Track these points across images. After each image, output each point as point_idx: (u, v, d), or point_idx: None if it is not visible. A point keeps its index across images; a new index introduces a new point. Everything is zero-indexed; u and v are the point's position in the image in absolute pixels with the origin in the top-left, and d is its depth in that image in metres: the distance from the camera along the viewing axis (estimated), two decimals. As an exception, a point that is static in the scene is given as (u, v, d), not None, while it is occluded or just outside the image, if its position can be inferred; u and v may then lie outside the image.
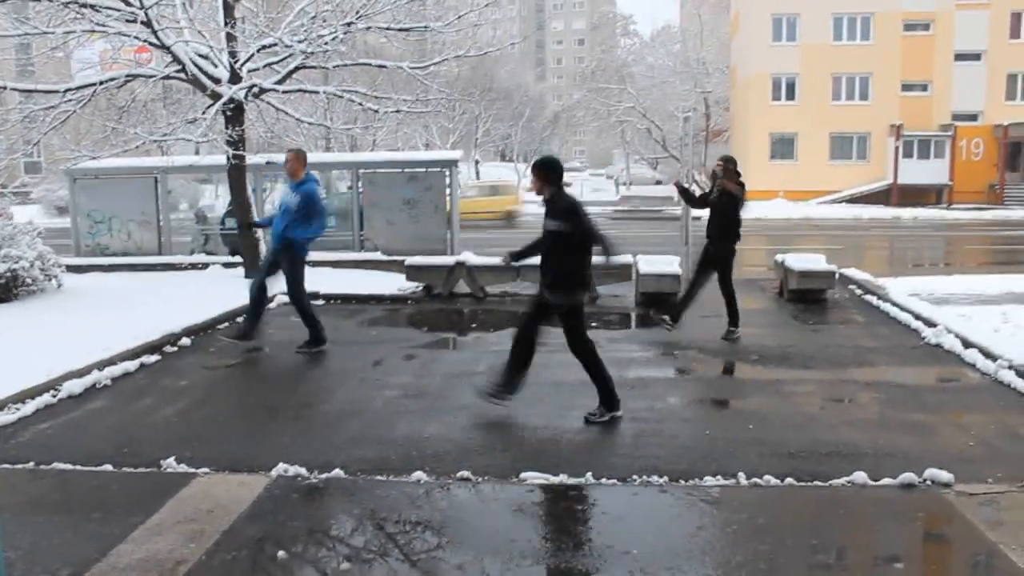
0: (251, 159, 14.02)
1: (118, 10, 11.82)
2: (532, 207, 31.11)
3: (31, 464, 5.56)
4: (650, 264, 11.66)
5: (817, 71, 38.40)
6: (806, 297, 11.57)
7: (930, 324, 9.29)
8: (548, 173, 6.36)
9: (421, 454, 5.68)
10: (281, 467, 5.30)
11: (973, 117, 38.18)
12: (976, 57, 38.18)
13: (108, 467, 5.49)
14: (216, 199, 18.29)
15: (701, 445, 5.87)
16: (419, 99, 15.16)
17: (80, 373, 7.52)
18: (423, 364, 8.43)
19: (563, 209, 6.24)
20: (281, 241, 8.81)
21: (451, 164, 16.10)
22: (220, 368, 8.46)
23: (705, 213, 9.46)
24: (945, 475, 4.99)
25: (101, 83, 12.64)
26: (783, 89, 39.68)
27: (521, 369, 6.68)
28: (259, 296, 9.12)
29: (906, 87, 38.60)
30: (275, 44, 12.86)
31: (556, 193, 6.34)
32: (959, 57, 38.18)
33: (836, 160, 39.17)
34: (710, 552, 4.20)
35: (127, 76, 12.98)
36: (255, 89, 13.20)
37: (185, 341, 9.29)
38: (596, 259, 6.33)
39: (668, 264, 11.64)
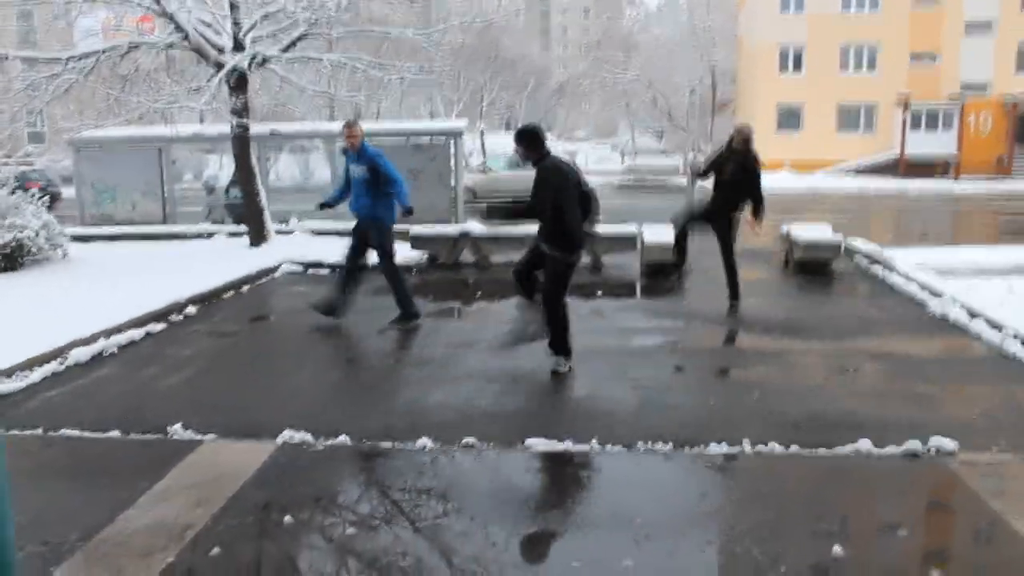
0: (255, 128, 13.96)
1: (120, -23, 11.74)
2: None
3: (39, 431, 5.61)
4: (655, 234, 11.63)
5: (825, 41, 38.02)
6: (811, 268, 11.54)
7: (936, 295, 9.27)
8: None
9: (426, 422, 5.70)
10: (287, 434, 5.32)
11: (982, 88, 37.80)
12: (986, 27, 37.73)
13: (115, 433, 5.53)
14: (220, 169, 18.26)
15: (706, 414, 5.88)
16: (424, 68, 15.07)
17: (87, 341, 7.54)
18: (427, 333, 8.45)
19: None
20: (369, 220, 8.60)
21: (456, 134, 16.04)
22: (225, 336, 8.49)
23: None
24: (949, 444, 5.00)
25: (104, 52, 12.58)
26: (790, 59, 39.31)
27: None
28: (352, 277, 8.88)
29: (914, 57, 38.21)
30: (279, 12, 12.77)
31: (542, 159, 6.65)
32: (969, 27, 37.73)
33: (843, 131, 38.87)
34: (714, 519, 4.22)
35: (130, 44, 12.90)
36: (259, 58, 13.12)
37: (191, 310, 9.32)
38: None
39: (673, 234, 11.59)
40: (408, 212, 8.55)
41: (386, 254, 8.66)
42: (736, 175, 9.22)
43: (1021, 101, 35.78)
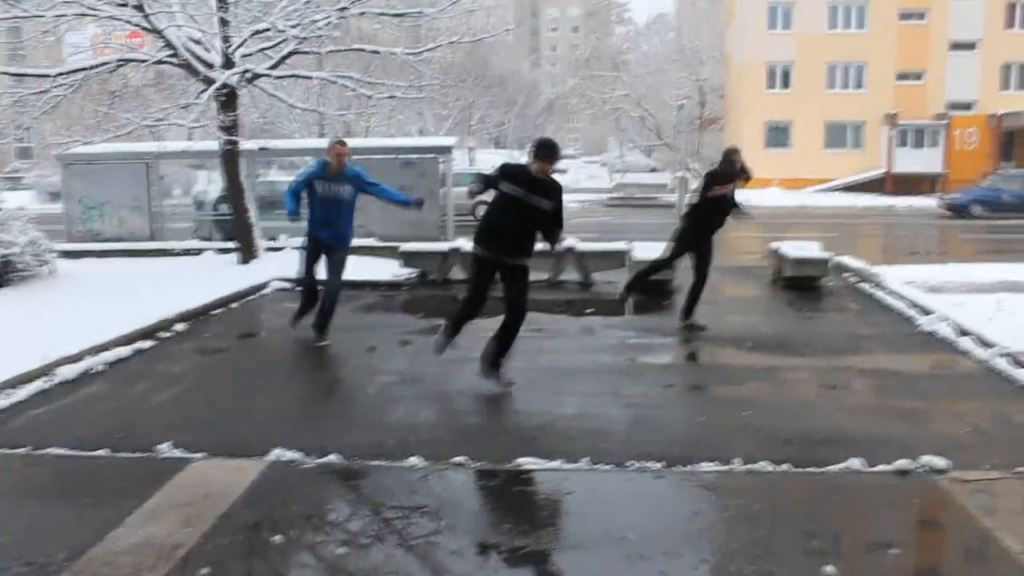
0: (244, 145, 13.95)
1: (109, -7, 11.73)
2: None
3: (26, 449, 5.54)
4: (644, 251, 11.64)
5: (812, 59, 38.33)
6: (800, 285, 11.57)
7: (925, 312, 9.31)
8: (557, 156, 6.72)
9: (416, 439, 5.68)
10: (277, 452, 5.29)
11: (968, 106, 38.16)
12: (971, 46, 38.14)
13: (103, 452, 5.47)
14: (209, 185, 18.21)
15: (696, 431, 5.87)
16: (413, 85, 15.09)
17: (74, 359, 7.48)
18: (418, 350, 8.42)
19: (556, 189, 6.70)
20: (343, 242, 8.53)
21: (445, 151, 16.07)
22: (215, 353, 8.44)
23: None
24: (940, 462, 5.00)
25: (93, 68, 12.56)
26: (778, 77, 39.62)
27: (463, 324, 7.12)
28: (314, 294, 8.71)
29: (901, 76, 38.56)
30: (268, 29, 12.77)
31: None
32: (954, 46, 38.14)
33: (831, 149, 39.13)
34: (706, 537, 4.21)
35: (119, 61, 12.88)
36: (248, 74, 13.11)
37: (179, 326, 9.27)
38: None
39: (662, 251, 11.60)
40: (419, 204, 8.72)
41: (342, 273, 8.60)
42: (732, 196, 9.11)
43: (1006, 119, 36.13)
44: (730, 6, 45.34)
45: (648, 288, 11.28)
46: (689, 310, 9.21)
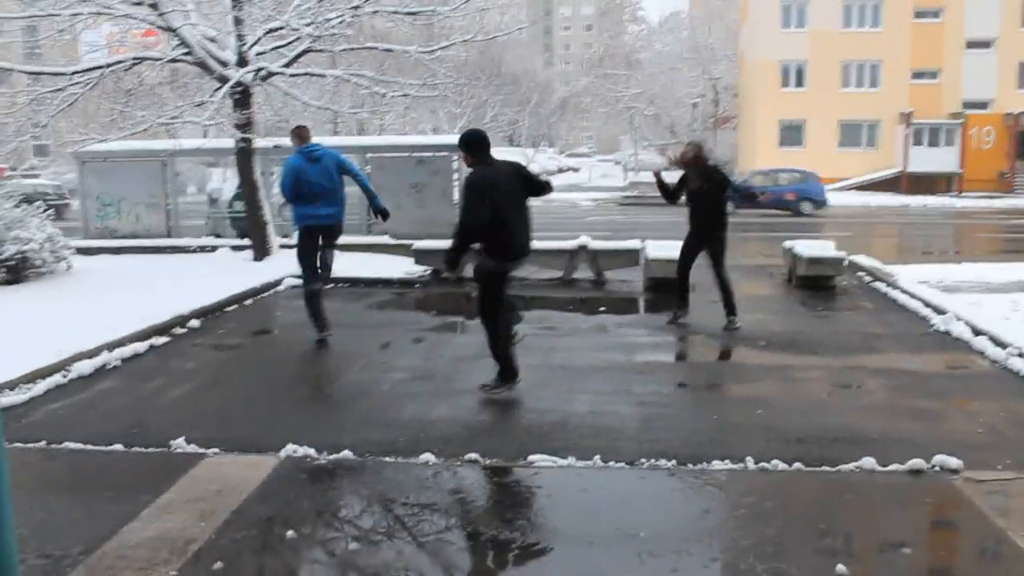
0: (259, 142, 14.01)
1: (125, -8, 11.81)
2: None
3: (43, 443, 5.60)
4: (658, 249, 11.63)
5: (826, 58, 38.15)
6: (815, 284, 11.52)
7: (939, 311, 9.26)
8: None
9: (429, 436, 5.70)
10: (290, 448, 5.31)
11: (983, 105, 37.89)
12: (987, 45, 37.89)
13: (118, 447, 5.52)
14: (224, 182, 18.27)
15: (709, 429, 5.86)
16: (426, 83, 15.12)
17: (90, 354, 7.54)
18: (431, 347, 8.44)
19: None
20: (340, 222, 8.78)
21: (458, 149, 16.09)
22: (229, 350, 8.49)
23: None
24: (954, 461, 4.97)
25: (108, 66, 12.65)
26: (792, 76, 39.45)
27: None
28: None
29: (916, 75, 38.33)
30: (282, 27, 12.83)
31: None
32: (970, 45, 37.89)
33: (845, 148, 38.94)
34: (717, 535, 4.21)
35: (134, 59, 12.97)
36: (262, 72, 13.18)
37: (194, 323, 9.32)
38: None
39: (676, 249, 11.57)
40: None
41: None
42: (711, 190, 9.03)
43: (1022, 117, 35.88)
44: (744, 4, 45.16)
45: (661, 287, 11.28)
46: (731, 310, 9.15)
